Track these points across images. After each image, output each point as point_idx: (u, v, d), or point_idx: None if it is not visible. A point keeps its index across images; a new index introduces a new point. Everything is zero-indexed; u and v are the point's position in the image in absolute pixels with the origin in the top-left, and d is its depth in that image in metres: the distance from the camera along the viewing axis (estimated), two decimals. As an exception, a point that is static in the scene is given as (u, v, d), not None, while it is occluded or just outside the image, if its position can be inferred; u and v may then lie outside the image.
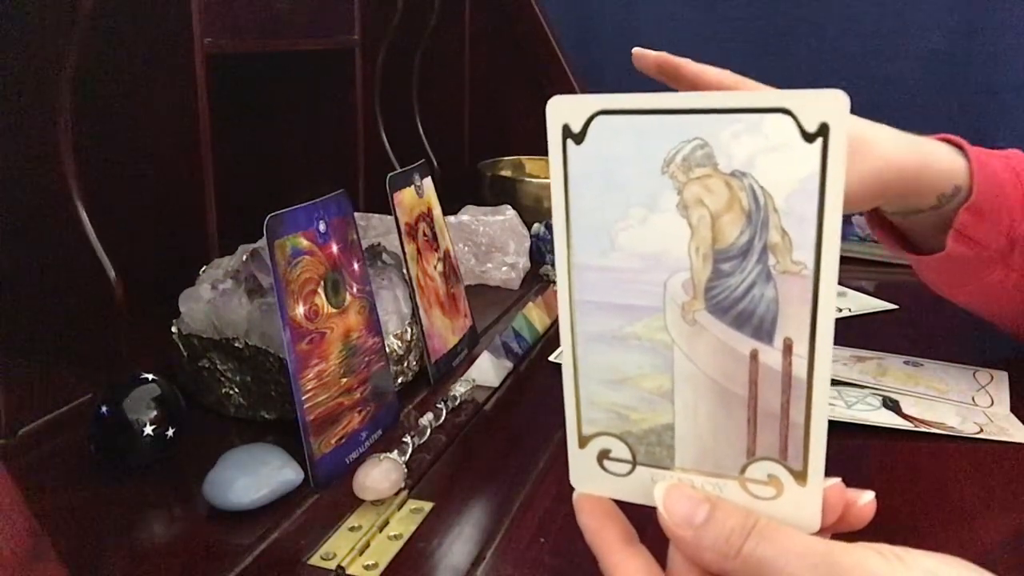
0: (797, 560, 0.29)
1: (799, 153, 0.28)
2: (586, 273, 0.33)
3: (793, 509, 0.32)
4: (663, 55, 0.63)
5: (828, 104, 0.28)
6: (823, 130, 0.28)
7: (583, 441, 0.35)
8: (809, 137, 0.28)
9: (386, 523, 0.52)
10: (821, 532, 0.31)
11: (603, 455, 0.35)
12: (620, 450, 0.34)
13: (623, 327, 0.33)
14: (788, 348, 0.30)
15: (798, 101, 0.28)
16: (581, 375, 0.34)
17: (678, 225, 0.31)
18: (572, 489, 0.57)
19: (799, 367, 0.30)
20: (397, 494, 0.54)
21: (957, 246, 0.64)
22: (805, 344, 0.30)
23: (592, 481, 0.35)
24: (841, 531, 0.32)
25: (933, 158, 0.63)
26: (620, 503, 0.35)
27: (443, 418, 0.64)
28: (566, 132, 0.32)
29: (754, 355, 0.31)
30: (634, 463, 0.34)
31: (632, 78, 0.65)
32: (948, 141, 0.66)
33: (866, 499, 0.33)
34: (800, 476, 0.31)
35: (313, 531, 0.51)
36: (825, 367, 0.30)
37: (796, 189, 0.29)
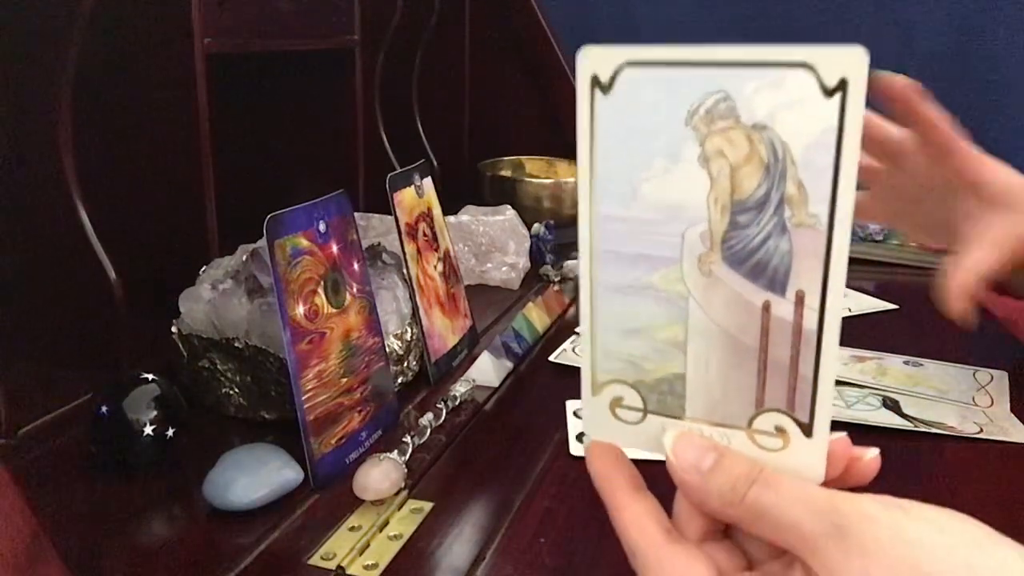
0: (800, 506, 0.30)
1: (818, 107, 0.29)
2: (608, 223, 0.33)
3: (799, 460, 0.32)
4: (907, 89, 0.63)
5: (848, 60, 0.28)
6: (842, 85, 0.28)
7: (596, 388, 0.36)
8: (829, 92, 0.28)
9: (386, 523, 0.52)
10: (825, 486, 0.32)
11: (616, 403, 0.35)
12: (632, 398, 0.35)
13: (641, 277, 0.33)
14: (800, 300, 0.31)
15: (818, 56, 0.28)
16: (598, 324, 0.35)
17: (698, 176, 0.31)
18: (572, 489, 0.57)
19: (810, 319, 0.31)
20: (397, 494, 0.54)
21: None
22: (817, 296, 0.31)
23: (604, 429, 0.36)
24: (844, 486, 0.33)
25: None
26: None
27: (443, 418, 0.64)
28: (594, 82, 0.32)
29: (766, 307, 0.32)
30: (645, 411, 0.35)
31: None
32: None
33: (871, 454, 0.33)
34: (806, 428, 0.32)
35: (313, 531, 0.51)
36: (835, 320, 0.31)
37: (814, 142, 0.29)
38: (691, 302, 0.33)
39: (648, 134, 0.31)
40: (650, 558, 0.32)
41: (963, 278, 0.61)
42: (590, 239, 0.34)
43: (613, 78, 0.31)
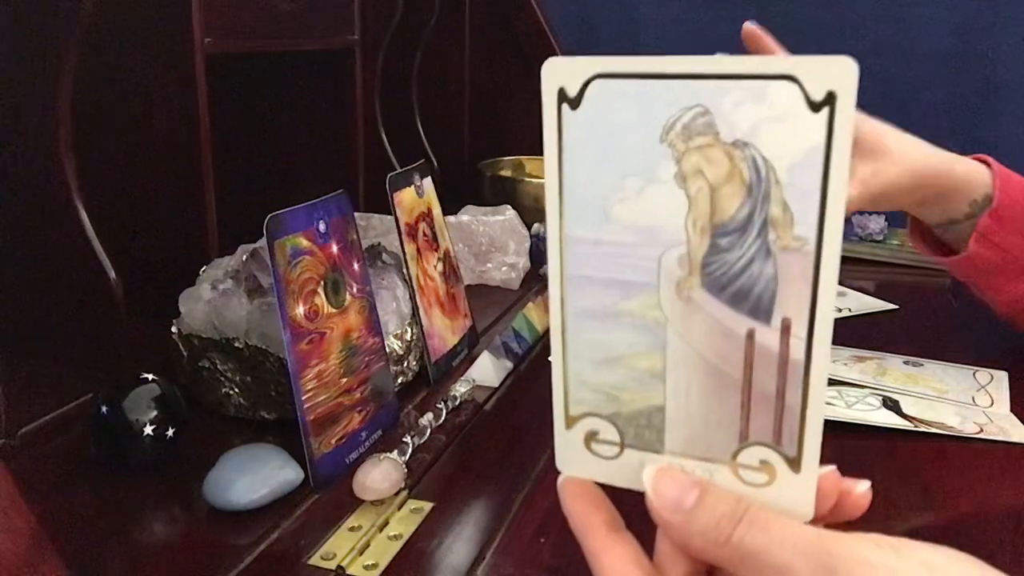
0: (789, 548, 0.28)
1: (804, 123, 0.27)
2: (578, 247, 0.31)
3: (786, 496, 0.31)
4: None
5: (836, 72, 0.26)
6: (830, 99, 0.26)
7: (570, 422, 0.34)
8: (815, 106, 0.27)
9: (386, 523, 0.52)
10: (814, 522, 0.30)
11: (590, 437, 0.33)
12: (608, 432, 0.33)
13: (616, 304, 0.31)
14: (786, 328, 0.29)
15: (804, 68, 0.27)
16: (570, 353, 0.33)
17: (675, 197, 0.29)
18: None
19: (797, 348, 0.29)
20: (397, 494, 0.54)
21: (981, 249, 0.69)
22: (804, 324, 0.29)
23: (578, 464, 0.34)
24: (835, 521, 0.32)
25: (960, 165, 0.69)
26: (607, 490, 0.34)
27: (443, 418, 0.64)
28: (561, 96, 0.30)
29: (750, 335, 0.30)
30: (622, 446, 0.33)
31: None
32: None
33: (862, 488, 0.32)
34: (794, 463, 0.30)
35: (313, 531, 0.51)
36: (824, 349, 0.29)
37: (800, 161, 0.27)
38: (669, 330, 0.31)
39: (620, 152, 0.30)
40: None
41: None
42: (560, 263, 0.32)
43: (582, 92, 0.30)
